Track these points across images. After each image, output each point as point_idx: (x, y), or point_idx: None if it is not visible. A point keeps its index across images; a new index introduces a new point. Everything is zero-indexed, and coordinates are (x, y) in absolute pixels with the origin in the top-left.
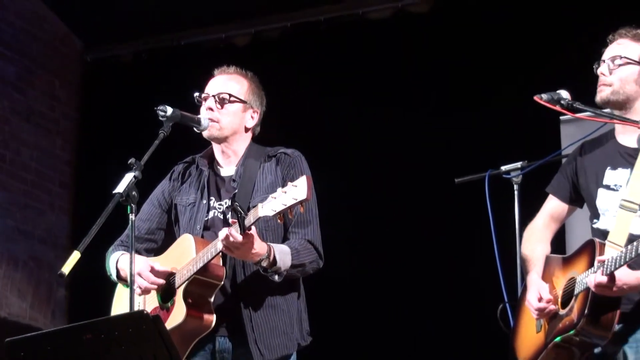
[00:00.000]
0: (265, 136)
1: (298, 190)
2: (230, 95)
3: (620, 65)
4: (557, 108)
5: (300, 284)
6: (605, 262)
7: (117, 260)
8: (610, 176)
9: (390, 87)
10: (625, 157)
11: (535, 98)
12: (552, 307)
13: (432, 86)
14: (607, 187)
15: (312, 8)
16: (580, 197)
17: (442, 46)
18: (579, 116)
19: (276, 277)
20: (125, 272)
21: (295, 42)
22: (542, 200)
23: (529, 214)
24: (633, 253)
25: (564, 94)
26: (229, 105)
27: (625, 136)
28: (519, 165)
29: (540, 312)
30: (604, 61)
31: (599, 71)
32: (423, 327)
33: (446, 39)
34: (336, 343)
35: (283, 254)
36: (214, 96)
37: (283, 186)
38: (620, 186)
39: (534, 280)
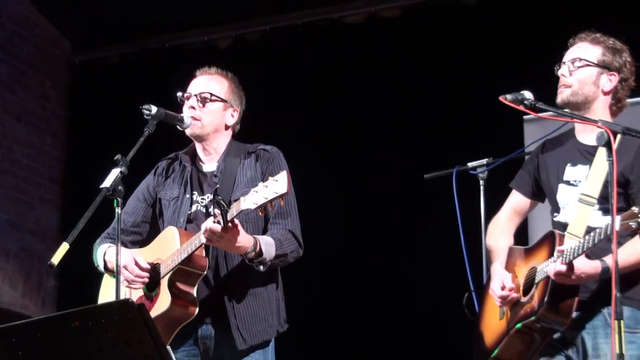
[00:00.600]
0: (245, 133)
1: (279, 184)
2: (212, 95)
3: (579, 67)
4: (521, 108)
5: (278, 275)
6: (565, 252)
7: (104, 252)
8: (570, 172)
9: (364, 87)
10: (584, 155)
11: (500, 98)
12: (514, 295)
13: (403, 87)
14: (567, 183)
15: (290, 12)
16: (541, 191)
17: (412, 49)
18: (541, 115)
19: (261, 268)
20: (112, 264)
21: (274, 44)
22: (506, 195)
23: (493, 208)
24: (590, 243)
25: (527, 94)
26: (210, 104)
27: (584, 135)
28: (485, 162)
29: (503, 299)
30: (564, 63)
31: (559, 73)
32: (395, 313)
33: (415, 42)
34: (310, 329)
35: (268, 246)
36: (196, 95)
37: (264, 180)
38: (580, 181)
39: (498, 270)
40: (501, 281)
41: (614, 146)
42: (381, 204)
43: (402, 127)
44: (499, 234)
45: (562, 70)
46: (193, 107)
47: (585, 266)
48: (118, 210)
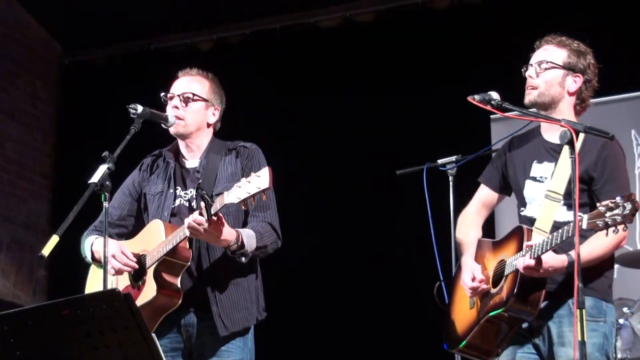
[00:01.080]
0: (226, 131)
1: (261, 180)
2: (194, 95)
3: (546, 69)
4: (488, 108)
5: (257, 266)
6: (533, 247)
7: (92, 244)
8: (537, 169)
9: (339, 88)
10: (550, 152)
11: (469, 99)
12: (484, 286)
13: (376, 88)
14: (534, 179)
15: (269, 17)
16: (508, 186)
17: (385, 51)
18: (508, 115)
19: (243, 259)
20: (99, 255)
21: (254, 47)
22: (474, 190)
23: (462, 202)
24: (558, 239)
25: (494, 95)
26: (192, 104)
27: (550, 133)
28: (454, 159)
29: (474, 290)
30: (531, 65)
31: (526, 74)
32: (368, 302)
33: (388, 45)
34: (287, 318)
35: (249, 238)
36: (179, 95)
37: (247, 176)
38: (546, 178)
39: (468, 262)
40: (472, 273)
41: (577, 144)
42: (356, 198)
43: (376, 125)
44: (468, 226)
45: (530, 72)
46: (176, 107)
47: (552, 260)
48: (106, 204)
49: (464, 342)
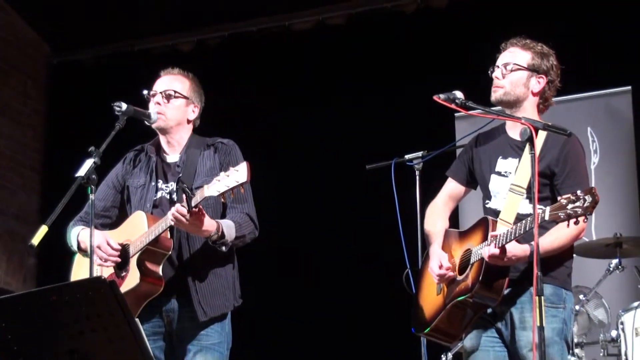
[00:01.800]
0: (204, 127)
1: (239, 174)
2: (175, 92)
3: (511, 70)
4: (453, 106)
5: (234, 257)
6: (498, 237)
7: (78, 234)
8: (502, 164)
9: (312, 87)
10: (514, 149)
11: (435, 97)
12: (450, 273)
13: (348, 87)
14: (499, 174)
15: (246, 20)
16: (474, 180)
17: (356, 53)
18: (471, 113)
19: (224, 248)
20: (85, 244)
21: (232, 48)
22: (440, 183)
23: (428, 195)
24: (522, 230)
25: (458, 94)
26: (173, 100)
27: (514, 131)
28: (420, 155)
29: (441, 277)
30: (497, 67)
31: (493, 75)
32: (340, 289)
33: (359, 47)
34: (261, 304)
35: (229, 228)
36: (161, 93)
37: (225, 171)
38: (510, 173)
39: (436, 251)
40: (439, 261)
41: (538, 141)
42: (328, 192)
43: (347, 123)
44: (436, 217)
45: (496, 73)
46: (159, 103)
47: (515, 249)
48: (92, 196)
49: (430, 326)
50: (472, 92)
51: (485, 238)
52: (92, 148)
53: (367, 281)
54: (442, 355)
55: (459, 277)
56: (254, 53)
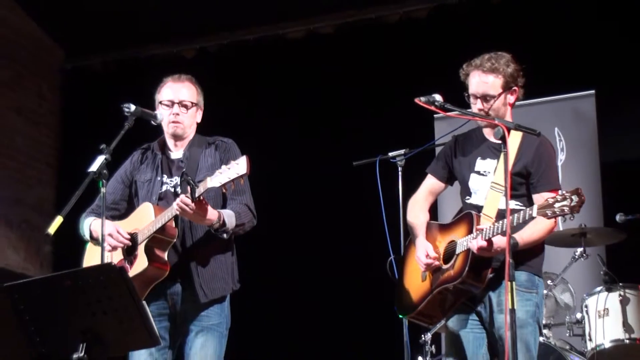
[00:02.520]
0: (205, 127)
1: (240, 166)
2: (191, 103)
3: (492, 103)
4: (432, 108)
5: (233, 244)
6: (484, 230)
7: (90, 224)
8: (480, 164)
9: (304, 91)
10: (492, 150)
11: (416, 100)
12: (436, 262)
13: (337, 90)
14: (478, 173)
15: (244, 29)
16: (453, 177)
17: (344, 61)
18: (449, 114)
19: (225, 235)
20: (97, 233)
21: (231, 55)
22: (420, 179)
23: (410, 189)
24: (505, 225)
25: (438, 97)
26: (190, 110)
27: (491, 134)
28: (402, 152)
29: (427, 266)
30: (476, 98)
31: (476, 108)
32: (329, 274)
33: (347, 54)
34: (257, 289)
35: (229, 217)
36: (177, 103)
37: (227, 164)
38: (489, 172)
39: (421, 242)
40: (426, 251)
41: (511, 140)
42: (319, 186)
43: (337, 123)
44: (418, 210)
45: (478, 106)
46: (177, 114)
47: (501, 242)
48: (103, 190)
49: (416, 310)
50: (450, 95)
51: (469, 231)
52: (103, 145)
53: (353, 267)
54: (422, 335)
55: (445, 266)
56: (250, 59)
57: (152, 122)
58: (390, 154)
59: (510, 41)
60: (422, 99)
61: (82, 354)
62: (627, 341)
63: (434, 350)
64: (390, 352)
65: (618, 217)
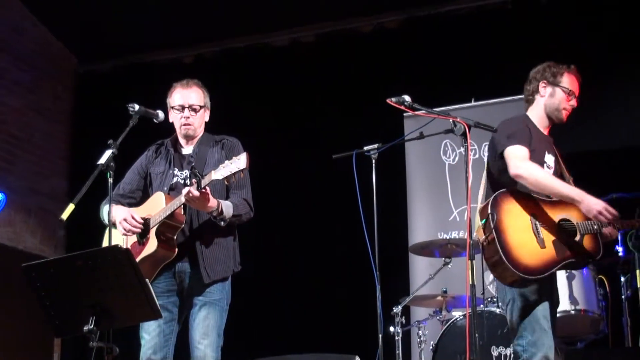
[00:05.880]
0: (210, 127)
1: (240, 161)
2: (199, 106)
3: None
4: (402, 107)
5: (235, 230)
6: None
7: (108, 211)
8: (548, 158)
9: (289, 93)
10: (551, 145)
11: (388, 100)
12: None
13: (318, 92)
14: (548, 166)
15: (235, 37)
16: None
17: (324, 66)
18: (417, 113)
19: (222, 223)
20: (114, 218)
21: (224, 61)
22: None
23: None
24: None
25: (407, 97)
26: (199, 112)
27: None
28: (376, 147)
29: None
30: (574, 95)
31: (569, 104)
32: (308, 256)
33: (327, 60)
34: (254, 272)
35: (227, 207)
36: (188, 107)
37: (229, 159)
38: (551, 167)
39: (584, 196)
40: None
41: (469, 134)
42: (301, 178)
43: (319, 120)
44: (546, 172)
45: (572, 103)
46: (188, 117)
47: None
48: (110, 180)
49: (542, 274)
50: (417, 96)
51: (581, 213)
52: (110, 141)
53: (331, 247)
54: (394, 307)
55: (576, 239)
56: (241, 64)
57: (155, 121)
58: (365, 148)
59: (485, 48)
60: (393, 99)
61: (92, 325)
62: (573, 312)
63: (403, 321)
64: (364, 323)
65: None
